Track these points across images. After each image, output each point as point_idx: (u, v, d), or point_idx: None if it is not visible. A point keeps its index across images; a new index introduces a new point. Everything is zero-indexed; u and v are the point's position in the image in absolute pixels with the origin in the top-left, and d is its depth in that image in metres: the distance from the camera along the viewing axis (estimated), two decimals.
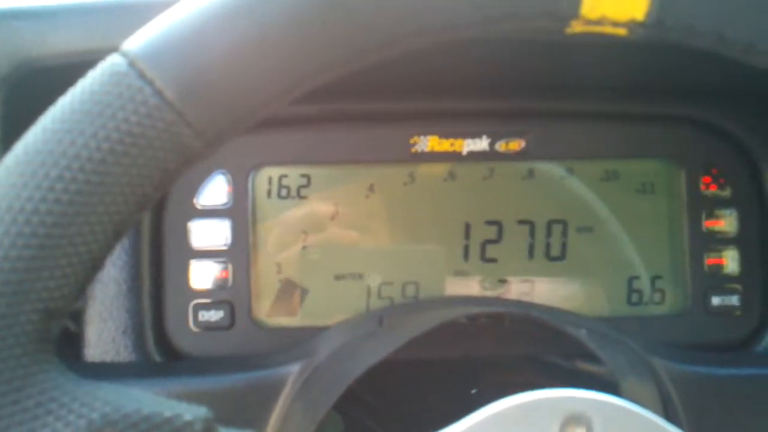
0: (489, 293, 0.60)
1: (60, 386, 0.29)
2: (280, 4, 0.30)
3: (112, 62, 0.30)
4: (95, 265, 0.30)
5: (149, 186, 0.30)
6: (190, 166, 0.31)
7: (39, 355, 0.29)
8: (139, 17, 0.48)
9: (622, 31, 0.32)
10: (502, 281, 0.61)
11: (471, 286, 0.60)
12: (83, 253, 0.29)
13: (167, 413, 0.29)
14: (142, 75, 0.29)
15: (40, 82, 0.49)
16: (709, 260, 0.61)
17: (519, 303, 0.59)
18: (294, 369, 0.50)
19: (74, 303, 0.30)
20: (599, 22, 0.32)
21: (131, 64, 0.29)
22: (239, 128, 0.31)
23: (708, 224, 0.62)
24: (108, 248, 0.30)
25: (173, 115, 0.29)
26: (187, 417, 0.30)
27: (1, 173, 0.29)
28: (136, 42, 0.30)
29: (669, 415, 0.50)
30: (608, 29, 0.32)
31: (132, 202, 0.30)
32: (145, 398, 0.30)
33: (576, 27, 0.32)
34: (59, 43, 0.49)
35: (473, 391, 0.58)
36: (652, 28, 0.32)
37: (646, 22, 0.31)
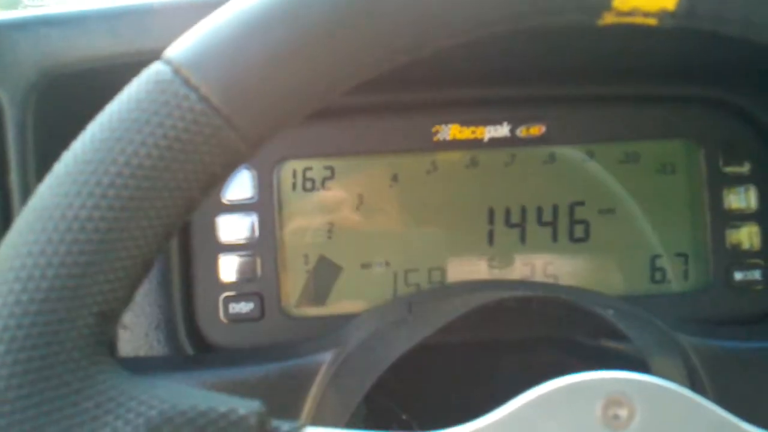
0: (514, 276, 0.61)
1: (117, 386, 0.30)
2: (318, 7, 0.31)
3: (157, 70, 0.30)
4: (146, 268, 0.31)
5: (197, 189, 0.31)
6: (235, 168, 0.32)
7: (96, 357, 0.30)
8: (164, 21, 0.49)
9: (652, 21, 0.33)
10: (527, 264, 0.61)
11: (496, 270, 0.61)
12: (135, 257, 0.30)
13: (222, 408, 0.30)
14: (187, 82, 0.30)
15: (69, 88, 0.50)
16: (731, 236, 0.62)
17: (546, 285, 0.60)
18: (326, 357, 0.51)
19: (127, 305, 0.31)
20: (631, 13, 0.32)
21: (176, 71, 0.30)
22: (280, 129, 0.32)
23: (728, 201, 0.62)
24: (158, 250, 0.31)
25: (219, 120, 0.30)
26: (242, 411, 0.30)
27: (54, 182, 0.30)
28: (179, 49, 0.31)
29: (696, 390, 0.50)
30: (639, 19, 0.33)
31: (180, 206, 0.30)
32: (199, 394, 0.31)
33: (607, 19, 0.32)
34: (86, 48, 0.49)
35: None
36: (683, 17, 0.32)
37: (677, 11, 0.32)
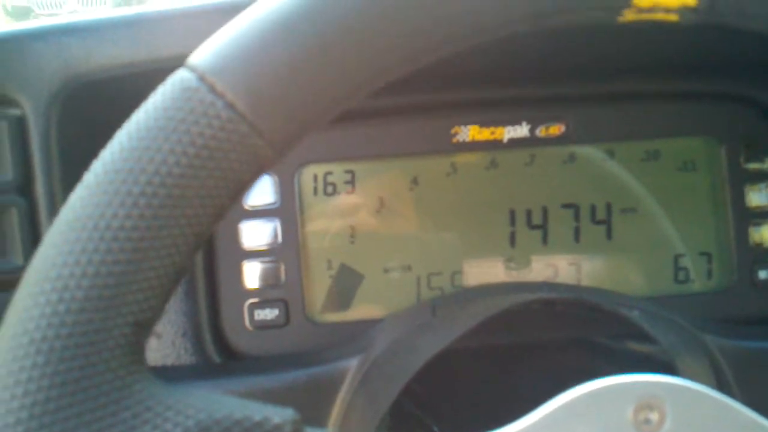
0: (537, 278, 0.61)
1: (154, 395, 0.30)
2: (339, 11, 0.31)
3: (182, 78, 0.31)
4: (179, 276, 0.31)
5: (226, 196, 0.31)
6: (262, 174, 0.32)
7: (133, 366, 0.30)
8: (184, 27, 0.49)
9: (674, 18, 0.32)
10: (550, 265, 0.61)
11: (518, 272, 0.61)
12: (168, 265, 0.30)
13: (257, 417, 0.30)
14: (213, 89, 0.30)
15: (91, 96, 0.50)
16: (754, 234, 0.62)
17: (570, 287, 0.60)
18: (352, 363, 0.51)
19: (161, 314, 0.31)
20: (651, 9, 0.32)
21: (201, 79, 0.30)
22: (305, 134, 0.32)
23: (750, 198, 0.62)
24: (189, 258, 0.31)
25: (246, 126, 0.30)
26: (276, 420, 0.30)
27: (84, 193, 0.30)
28: (203, 56, 0.31)
29: (723, 391, 0.50)
30: (660, 16, 0.32)
31: (210, 213, 0.31)
32: (234, 403, 0.31)
33: (628, 16, 0.32)
34: (108, 56, 0.50)
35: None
36: (704, 13, 0.32)
37: (699, 7, 0.32)
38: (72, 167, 0.50)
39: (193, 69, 0.31)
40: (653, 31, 0.54)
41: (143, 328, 0.30)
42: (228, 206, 0.32)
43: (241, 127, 0.30)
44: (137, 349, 0.30)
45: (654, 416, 0.34)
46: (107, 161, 0.31)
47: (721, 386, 0.51)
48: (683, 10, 0.32)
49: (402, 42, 0.32)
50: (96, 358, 0.29)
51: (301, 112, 0.31)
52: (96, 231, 0.29)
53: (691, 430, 0.34)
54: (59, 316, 0.28)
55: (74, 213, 0.30)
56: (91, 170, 0.31)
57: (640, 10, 0.32)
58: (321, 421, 0.50)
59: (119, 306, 0.29)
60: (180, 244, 0.30)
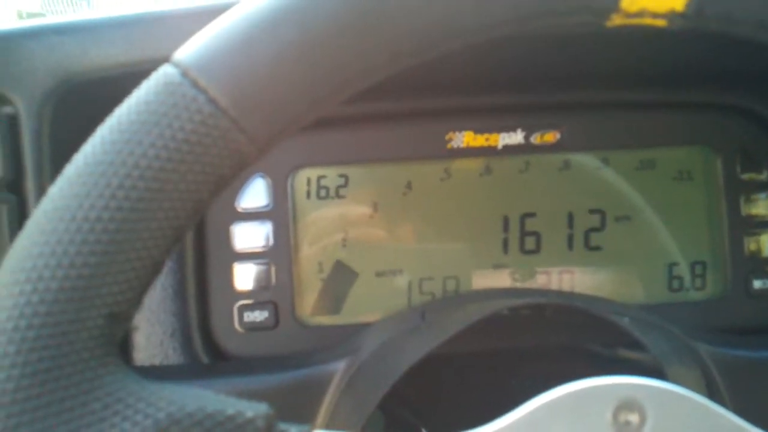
0: (529, 285, 0.61)
1: (125, 387, 0.30)
2: (324, 10, 0.31)
3: (165, 73, 0.31)
4: (156, 269, 0.31)
5: (206, 191, 0.31)
6: (243, 170, 0.32)
7: (105, 358, 0.30)
8: (177, 28, 0.50)
9: (661, 23, 0.32)
10: (542, 272, 0.61)
11: (511, 279, 0.61)
12: (145, 258, 0.30)
13: (230, 411, 0.30)
14: (195, 84, 0.30)
15: (84, 96, 0.50)
16: (749, 244, 0.61)
17: (561, 293, 0.59)
18: (339, 366, 0.51)
19: (137, 307, 0.31)
20: (639, 14, 0.32)
21: (184, 74, 0.30)
22: (288, 132, 0.32)
23: (746, 208, 0.62)
24: (167, 252, 0.31)
25: (227, 122, 0.30)
26: (249, 414, 0.30)
27: (64, 184, 0.30)
28: (187, 52, 0.31)
29: (714, 400, 0.50)
30: (648, 21, 0.32)
31: (189, 208, 0.31)
32: (207, 397, 0.31)
33: (616, 20, 0.32)
34: (101, 56, 0.50)
35: None
36: (692, 18, 0.32)
37: (686, 12, 0.32)
38: (63, 166, 0.49)
39: (177, 64, 0.31)
40: (648, 39, 0.54)
41: (118, 320, 0.30)
42: (208, 202, 0.32)
43: (223, 122, 0.30)
44: (111, 341, 0.30)
45: (634, 418, 0.34)
46: (88, 154, 0.31)
47: (712, 395, 0.50)
48: (671, 15, 0.32)
49: (386, 42, 0.32)
50: (68, 349, 0.29)
51: (283, 109, 0.32)
52: (73, 222, 0.29)
53: None
54: (32, 306, 0.28)
55: (52, 204, 0.30)
56: (72, 163, 0.31)
57: (628, 15, 0.32)
58: (307, 422, 0.50)
59: (94, 298, 0.29)
60: (158, 237, 0.30)
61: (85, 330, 0.29)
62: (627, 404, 0.34)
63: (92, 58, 0.50)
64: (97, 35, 0.50)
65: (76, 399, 0.29)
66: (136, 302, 0.31)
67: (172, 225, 0.30)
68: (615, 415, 0.34)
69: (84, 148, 0.31)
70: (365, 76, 0.32)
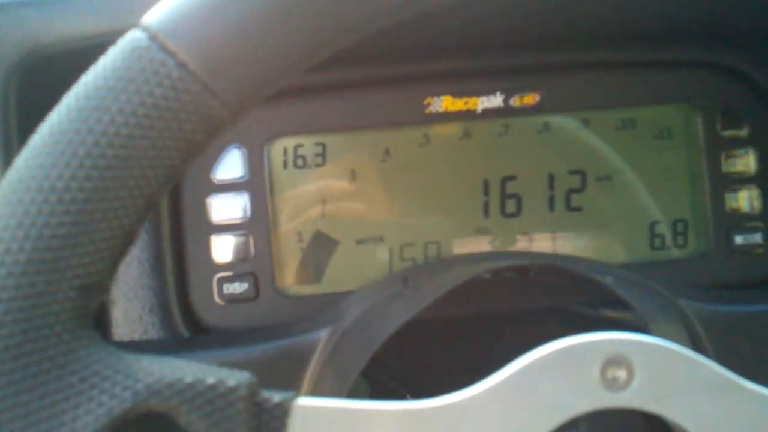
0: (511, 247, 0.60)
1: (102, 360, 0.29)
2: None
3: (133, 37, 0.30)
4: (129, 240, 0.30)
5: (177, 158, 0.30)
6: (216, 136, 0.31)
7: (79, 331, 0.29)
8: None
9: None
10: (524, 234, 0.61)
11: (493, 242, 0.60)
12: (116, 228, 0.29)
13: (210, 380, 0.30)
14: (164, 48, 0.29)
15: (51, 69, 0.49)
16: (730, 200, 0.61)
17: (543, 255, 0.59)
18: (322, 335, 0.50)
19: (111, 278, 0.30)
20: None
21: (152, 38, 0.29)
22: (262, 96, 0.31)
23: (727, 165, 0.61)
24: (140, 221, 0.30)
25: (198, 86, 0.29)
26: (231, 383, 0.30)
27: (29, 154, 0.29)
28: (156, 16, 0.30)
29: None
30: None
31: (161, 175, 0.30)
32: (187, 367, 0.30)
33: None
34: (68, 28, 0.49)
35: None
36: None
37: None
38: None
39: (145, 28, 0.30)
40: None
41: (91, 292, 0.29)
42: (180, 169, 0.31)
43: (194, 86, 0.29)
44: (85, 314, 0.29)
45: (622, 374, 0.34)
46: (54, 123, 0.30)
47: (697, 350, 0.50)
48: None
49: (359, 3, 0.31)
50: (39, 322, 0.28)
51: (257, 72, 0.31)
52: (39, 193, 0.28)
53: (659, 388, 0.34)
54: (0, 279, 0.27)
55: (18, 174, 0.29)
56: (37, 132, 0.30)
57: None
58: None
59: (64, 269, 0.28)
60: (129, 206, 0.29)
61: (56, 302, 0.28)
62: (614, 360, 0.33)
63: (59, 30, 0.49)
64: (63, 7, 0.49)
65: (51, 373, 0.28)
66: (109, 273, 0.30)
67: (143, 193, 0.30)
68: (603, 372, 0.33)
69: (50, 117, 0.30)
70: (338, 39, 0.32)
